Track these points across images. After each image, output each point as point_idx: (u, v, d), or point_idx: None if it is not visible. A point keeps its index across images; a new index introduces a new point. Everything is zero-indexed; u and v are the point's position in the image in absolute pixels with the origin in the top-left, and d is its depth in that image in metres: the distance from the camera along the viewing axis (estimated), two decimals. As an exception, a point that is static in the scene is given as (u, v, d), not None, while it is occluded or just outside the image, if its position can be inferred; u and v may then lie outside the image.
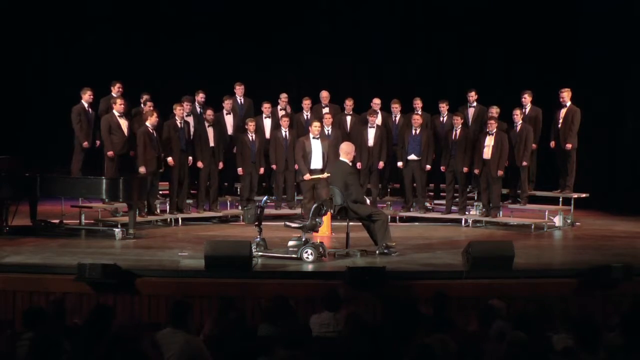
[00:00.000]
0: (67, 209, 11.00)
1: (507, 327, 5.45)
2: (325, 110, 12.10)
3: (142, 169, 10.50)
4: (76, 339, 5.09)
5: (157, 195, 11.20)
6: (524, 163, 11.14)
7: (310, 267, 8.44)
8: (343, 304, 6.49)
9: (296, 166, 11.51)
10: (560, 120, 11.31)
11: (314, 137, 11.17)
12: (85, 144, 10.98)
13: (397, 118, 12.00)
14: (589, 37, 13.08)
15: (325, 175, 10.62)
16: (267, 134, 11.93)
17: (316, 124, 11.21)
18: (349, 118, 12.09)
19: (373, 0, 14.14)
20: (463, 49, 13.93)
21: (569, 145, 11.19)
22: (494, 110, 11.32)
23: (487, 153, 10.95)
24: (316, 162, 11.18)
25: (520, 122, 11.15)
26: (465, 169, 11.28)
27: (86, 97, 11.08)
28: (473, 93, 11.89)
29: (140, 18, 13.90)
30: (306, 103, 12.12)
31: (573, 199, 11.38)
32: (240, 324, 5.60)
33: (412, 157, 11.43)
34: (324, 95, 12.28)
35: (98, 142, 11.25)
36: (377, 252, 8.91)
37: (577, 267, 8.25)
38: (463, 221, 11.43)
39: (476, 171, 11.18)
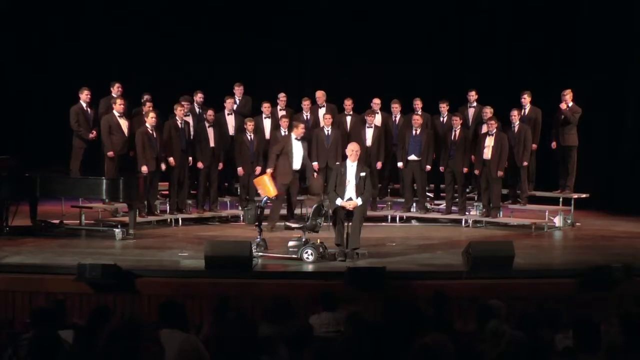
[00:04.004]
0: (67, 209, 11.01)
1: (502, 327, 5.45)
2: (322, 110, 12.02)
3: (144, 169, 10.51)
4: (77, 337, 5.08)
5: (157, 195, 11.20)
6: (524, 163, 11.14)
7: (310, 268, 8.44)
8: (341, 303, 6.48)
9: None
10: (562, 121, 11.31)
11: (296, 139, 10.91)
12: (91, 135, 10.95)
13: (397, 118, 11.99)
14: (589, 37, 13.06)
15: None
16: (267, 134, 11.91)
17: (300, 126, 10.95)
18: (349, 118, 12.06)
19: (373, 0, 14.13)
20: (463, 48, 13.92)
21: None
22: (488, 111, 11.27)
23: (487, 153, 10.94)
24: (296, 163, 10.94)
25: (518, 122, 11.14)
26: (465, 169, 11.29)
27: (84, 96, 11.07)
28: (473, 93, 11.88)
29: (140, 18, 13.89)
30: (306, 103, 12.07)
31: (573, 199, 11.38)
32: (239, 324, 5.59)
33: (413, 157, 11.42)
34: (319, 95, 12.15)
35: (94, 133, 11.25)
36: (346, 253, 8.70)
37: (577, 267, 8.26)
38: (463, 221, 11.43)
39: (476, 171, 11.18)
